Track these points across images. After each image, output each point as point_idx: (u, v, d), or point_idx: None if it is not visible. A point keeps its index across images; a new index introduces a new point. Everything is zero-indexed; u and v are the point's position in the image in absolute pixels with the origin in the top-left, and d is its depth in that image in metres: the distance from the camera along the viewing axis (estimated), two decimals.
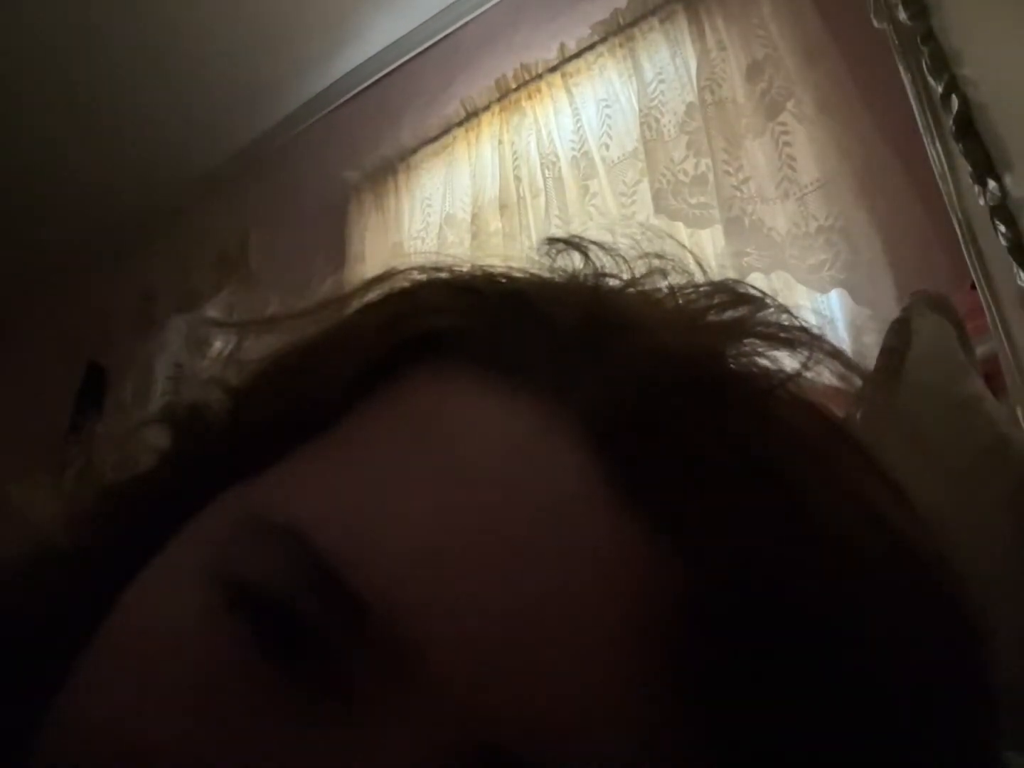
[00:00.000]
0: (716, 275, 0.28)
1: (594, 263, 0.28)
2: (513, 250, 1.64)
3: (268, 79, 2.18)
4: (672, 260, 0.28)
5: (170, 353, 2.15)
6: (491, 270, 0.28)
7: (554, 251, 0.29)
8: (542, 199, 1.64)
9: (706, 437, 0.22)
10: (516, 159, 1.72)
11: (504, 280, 0.27)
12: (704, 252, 1.46)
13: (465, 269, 0.28)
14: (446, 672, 0.20)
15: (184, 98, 2.19)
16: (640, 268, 0.27)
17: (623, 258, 0.28)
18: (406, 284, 0.28)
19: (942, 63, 0.85)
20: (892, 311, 0.91)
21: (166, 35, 2.02)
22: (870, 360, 0.71)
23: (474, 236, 1.71)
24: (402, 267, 0.29)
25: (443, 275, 0.28)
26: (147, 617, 0.23)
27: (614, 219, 1.54)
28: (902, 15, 0.91)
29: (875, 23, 1.02)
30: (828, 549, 0.21)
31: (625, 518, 0.21)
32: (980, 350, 0.82)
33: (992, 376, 0.83)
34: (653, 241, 0.29)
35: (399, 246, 1.85)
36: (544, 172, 1.66)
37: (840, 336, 1.32)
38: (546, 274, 0.28)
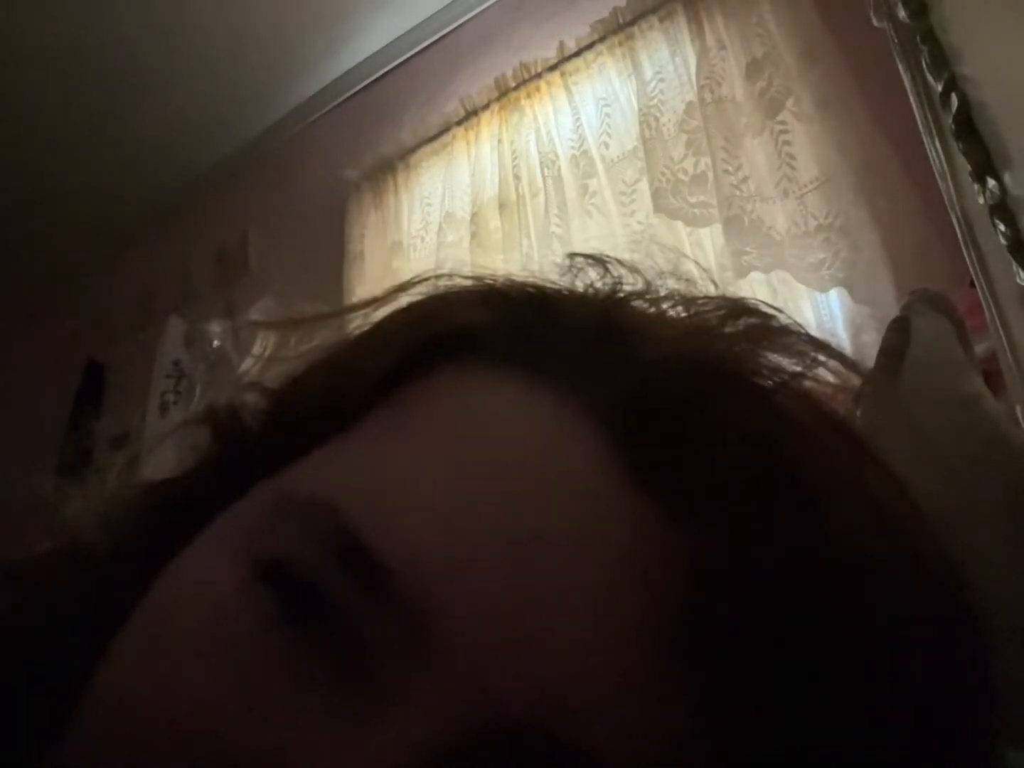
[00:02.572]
0: (725, 287, 0.29)
1: (612, 275, 0.29)
2: (512, 249, 1.64)
3: (267, 77, 2.18)
4: (686, 275, 0.29)
5: (169, 351, 2.15)
6: (516, 277, 0.29)
7: (576, 265, 0.30)
8: (541, 198, 1.64)
9: (715, 427, 0.23)
10: (515, 158, 1.72)
11: (528, 286, 0.29)
12: (704, 251, 1.47)
13: (492, 276, 0.29)
14: (462, 643, 0.20)
15: (183, 96, 2.19)
16: (656, 282, 0.29)
17: (640, 272, 0.29)
18: (435, 288, 0.30)
19: (942, 62, 0.85)
20: (891, 309, 0.91)
21: (165, 33, 2.02)
22: (869, 359, 0.71)
23: (473, 235, 1.71)
24: (431, 273, 0.30)
25: (470, 280, 0.30)
26: (182, 594, 0.24)
27: (614, 218, 1.55)
28: (901, 13, 0.91)
29: (875, 22, 1.02)
30: (832, 539, 0.22)
31: (638, 502, 0.22)
32: (979, 348, 0.82)
33: (991, 374, 0.83)
34: (668, 257, 0.30)
35: (398, 245, 1.85)
36: (543, 171, 1.66)
37: (839, 335, 1.32)
38: (566, 283, 0.30)
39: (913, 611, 0.22)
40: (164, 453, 0.32)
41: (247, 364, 0.32)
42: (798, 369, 0.26)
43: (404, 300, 0.30)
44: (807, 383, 0.26)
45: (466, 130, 1.84)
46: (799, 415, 0.24)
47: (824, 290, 1.32)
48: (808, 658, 0.21)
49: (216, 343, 2.02)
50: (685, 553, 0.22)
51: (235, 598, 0.22)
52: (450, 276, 0.30)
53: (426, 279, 0.30)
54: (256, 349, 0.32)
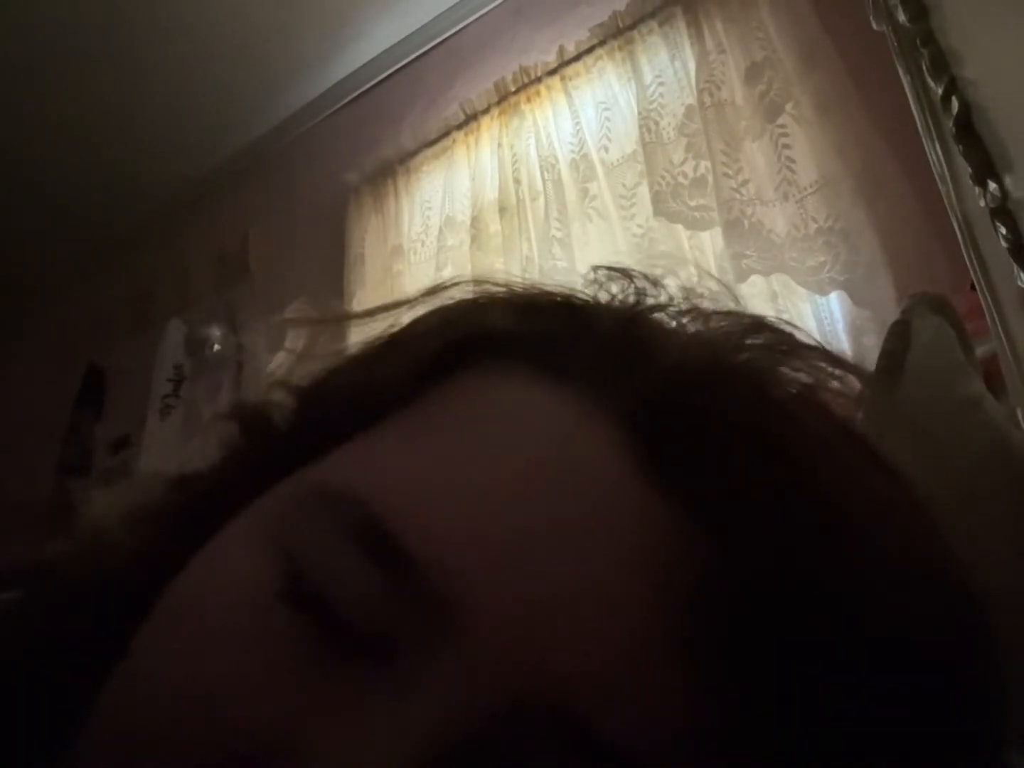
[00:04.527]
0: (745, 304, 0.30)
1: (636, 286, 0.30)
2: (512, 252, 1.64)
3: (268, 81, 2.18)
4: (707, 289, 0.30)
5: (170, 354, 2.15)
6: (544, 286, 0.30)
7: (599, 278, 0.31)
8: (541, 201, 1.64)
9: (731, 430, 0.23)
10: (515, 162, 1.72)
11: (555, 295, 0.30)
12: (704, 254, 1.47)
13: (521, 284, 0.31)
14: (487, 628, 0.21)
15: (185, 99, 2.19)
16: (677, 295, 0.30)
17: (662, 286, 0.30)
18: (465, 294, 0.31)
19: (942, 65, 0.85)
20: (892, 313, 0.91)
21: (167, 37, 2.02)
22: (870, 362, 0.71)
23: (473, 239, 1.71)
24: (462, 279, 0.32)
25: (501, 288, 0.31)
26: (210, 582, 0.24)
27: (614, 222, 1.55)
28: (901, 17, 0.91)
29: (874, 25, 1.02)
30: (844, 537, 0.22)
31: (653, 496, 0.23)
32: (980, 351, 0.82)
33: (992, 377, 0.83)
34: (688, 271, 0.32)
35: (399, 248, 1.85)
36: (543, 175, 1.66)
37: (840, 338, 1.32)
38: (592, 294, 0.31)
39: (924, 608, 0.22)
40: (191, 451, 0.33)
41: (276, 361, 0.33)
42: (813, 381, 0.27)
43: (433, 303, 0.31)
44: (823, 394, 0.26)
45: (466, 134, 1.85)
46: (813, 422, 0.25)
47: (824, 293, 1.32)
48: (820, 655, 0.21)
49: (217, 347, 2.02)
50: (699, 549, 0.22)
51: (263, 586, 0.22)
52: (481, 282, 0.31)
53: (458, 283, 0.31)
54: (288, 345, 0.33)
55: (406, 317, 0.31)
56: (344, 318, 0.33)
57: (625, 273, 0.31)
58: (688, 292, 0.30)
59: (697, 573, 0.22)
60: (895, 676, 0.21)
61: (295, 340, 0.33)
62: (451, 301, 0.31)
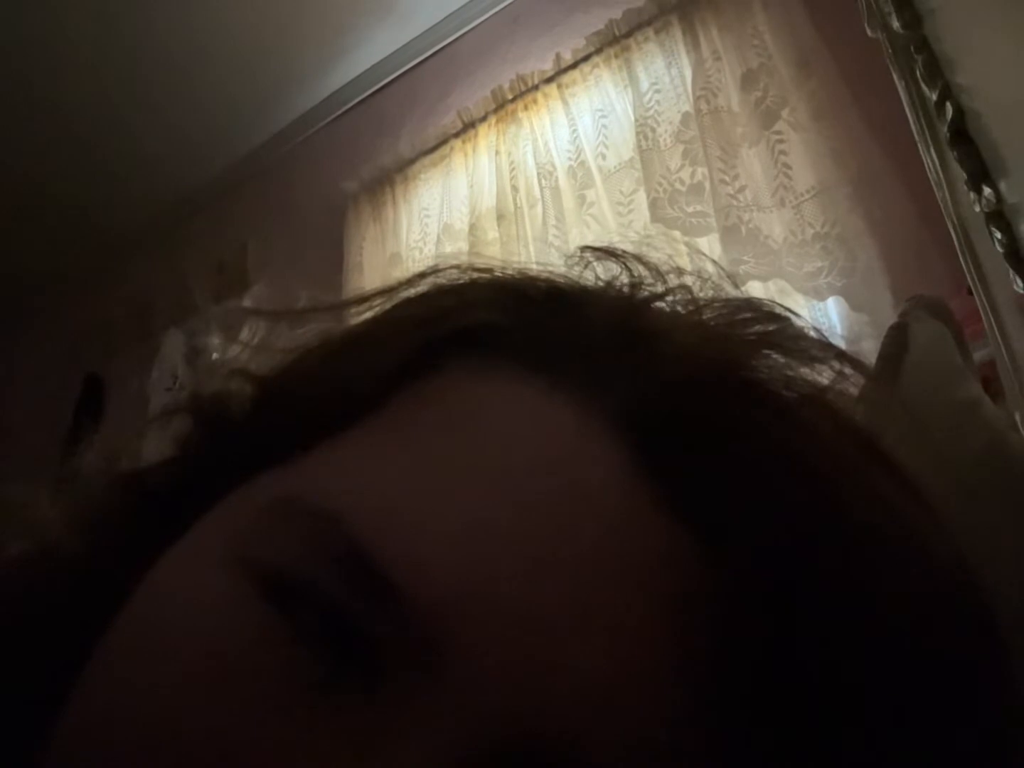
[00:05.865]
0: (744, 292, 0.28)
1: (630, 272, 0.28)
2: (510, 259, 1.64)
3: (266, 90, 2.19)
4: (703, 274, 0.28)
5: (168, 365, 2.15)
6: (532, 272, 0.28)
7: (590, 259, 0.29)
8: (539, 209, 1.65)
9: (735, 435, 0.22)
10: (513, 169, 1.73)
11: (545, 283, 0.28)
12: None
13: (507, 270, 0.28)
14: (476, 658, 0.20)
15: (182, 109, 2.19)
16: (673, 281, 0.28)
17: (657, 270, 0.28)
18: (447, 281, 0.28)
19: (936, 71, 0.86)
20: (889, 317, 0.91)
21: (164, 47, 2.03)
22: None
23: (471, 246, 1.71)
24: (444, 265, 0.29)
25: (485, 275, 0.28)
26: (171, 601, 0.22)
27: (611, 228, 1.55)
28: (895, 24, 0.92)
29: (869, 32, 1.02)
30: (855, 546, 0.21)
31: (658, 511, 0.22)
32: (977, 355, 0.82)
33: (989, 381, 0.83)
34: (685, 256, 0.30)
35: (397, 256, 1.86)
36: (541, 182, 1.67)
37: (837, 343, 1.32)
38: (584, 280, 0.28)
39: (942, 620, 0.21)
40: (146, 447, 0.30)
41: (233, 351, 0.30)
42: (823, 382, 0.25)
43: (415, 291, 0.29)
44: (833, 395, 0.25)
45: (464, 142, 1.85)
46: (828, 430, 0.24)
47: (822, 298, 1.32)
48: (830, 666, 0.20)
49: (216, 356, 2.01)
50: (717, 585, 0.21)
51: (231, 607, 0.21)
52: (464, 269, 0.28)
53: (439, 271, 0.29)
54: (244, 336, 0.30)
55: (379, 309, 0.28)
56: (314, 309, 0.30)
57: (615, 256, 0.28)
58: (684, 276, 0.28)
59: (707, 594, 0.21)
60: (909, 687, 0.21)
61: (253, 329, 0.30)
62: (437, 288, 0.28)
